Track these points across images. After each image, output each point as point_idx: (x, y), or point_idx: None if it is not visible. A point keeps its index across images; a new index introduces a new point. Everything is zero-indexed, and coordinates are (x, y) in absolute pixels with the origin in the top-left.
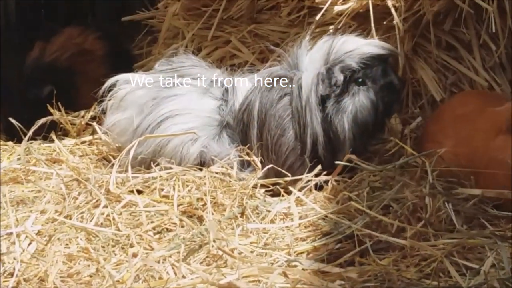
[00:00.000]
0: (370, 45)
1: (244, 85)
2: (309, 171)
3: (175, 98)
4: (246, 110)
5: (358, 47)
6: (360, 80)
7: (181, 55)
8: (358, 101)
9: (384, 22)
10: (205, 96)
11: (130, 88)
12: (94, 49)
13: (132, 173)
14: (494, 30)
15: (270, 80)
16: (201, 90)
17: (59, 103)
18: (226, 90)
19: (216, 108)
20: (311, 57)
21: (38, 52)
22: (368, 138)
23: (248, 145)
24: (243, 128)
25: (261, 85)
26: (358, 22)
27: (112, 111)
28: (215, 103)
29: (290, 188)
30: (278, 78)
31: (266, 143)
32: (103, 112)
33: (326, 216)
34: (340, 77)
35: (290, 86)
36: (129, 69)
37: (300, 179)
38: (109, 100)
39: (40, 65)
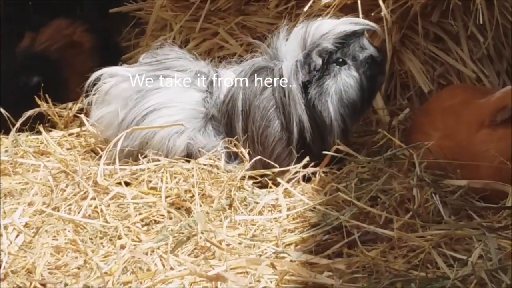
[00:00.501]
0: (344, 24)
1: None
2: (298, 162)
3: (160, 90)
4: (230, 102)
5: (333, 28)
6: (340, 60)
7: (165, 48)
8: (341, 80)
9: (372, 14)
10: (190, 89)
11: (114, 82)
12: (82, 41)
13: (120, 165)
14: (481, 22)
15: (252, 72)
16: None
17: (46, 95)
18: (211, 82)
19: (201, 101)
20: (289, 46)
21: (28, 41)
22: (357, 116)
23: (235, 137)
24: (228, 120)
25: (244, 77)
26: (346, 14)
27: (97, 105)
28: (200, 95)
29: (278, 179)
30: (260, 69)
31: (252, 134)
32: (89, 105)
33: (314, 208)
34: (319, 61)
35: (272, 77)
36: (118, 62)
37: (288, 171)
38: (94, 94)
39: (30, 54)
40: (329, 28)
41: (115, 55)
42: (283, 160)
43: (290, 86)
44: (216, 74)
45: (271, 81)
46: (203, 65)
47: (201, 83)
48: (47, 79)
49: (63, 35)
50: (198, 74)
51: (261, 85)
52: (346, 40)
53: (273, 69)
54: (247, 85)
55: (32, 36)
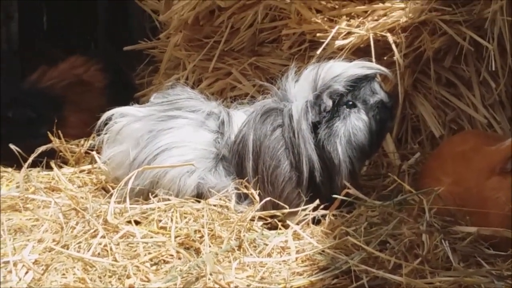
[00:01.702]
0: (356, 67)
1: (239, 117)
2: (307, 203)
3: (171, 131)
4: (241, 142)
5: (344, 70)
6: (350, 102)
7: (176, 88)
8: (350, 123)
9: (385, 58)
10: (201, 129)
11: (126, 121)
12: (93, 80)
13: (130, 204)
14: (494, 68)
15: (263, 113)
16: (197, 123)
17: (59, 131)
18: (222, 122)
19: (212, 141)
20: (299, 87)
21: (36, 76)
22: (365, 158)
23: (246, 178)
24: (238, 160)
25: (255, 118)
26: (359, 57)
27: (109, 145)
28: (211, 136)
29: (288, 221)
30: (270, 110)
31: (262, 175)
32: (100, 144)
33: (323, 251)
34: (329, 103)
35: (281, 118)
36: (131, 100)
37: (297, 212)
38: (106, 133)
39: (33, 89)
40: (340, 70)
41: (128, 93)
42: (292, 200)
43: (300, 126)
44: (227, 114)
45: (280, 122)
46: (214, 105)
47: (213, 123)
48: (43, 115)
49: (74, 73)
50: (210, 115)
51: (271, 126)
52: (357, 83)
53: (283, 110)
54: (257, 126)
55: (44, 70)
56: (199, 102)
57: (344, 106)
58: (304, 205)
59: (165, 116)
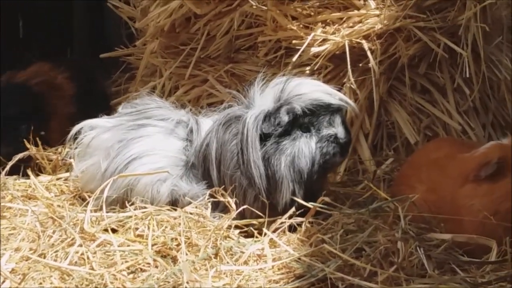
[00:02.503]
0: (323, 92)
1: (207, 125)
2: (269, 209)
3: (141, 139)
4: (205, 151)
5: (310, 92)
6: (305, 126)
7: (144, 97)
8: (297, 146)
9: (360, 64)
10: (171, 137)
11: (95, 133)
12: (63, 88)
13: (107, 212)
14: (468, 75)
15: (226, 121)
16: (167, 131)
17: (37, 138)
18: (191, 130)
19: (182, 149)
20: (263, 95)
21: (6, 77)
22: (304, 186)
23: (211, 184)
24: (204, 168)
25: (217, 127)
26: (335, 64)
27: (79, 159)
28: (181, 143)
29: (264, 229)
30: (234, 118)
31: (224, 182)
32: (71, 158)
33: (300, 259)
34: (285, 118)
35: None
36: (104, 109)
37: (274, 221)
38: (75, 148)
39: (10, 86)
40: (306, 90)
41: (99, 102)
42: (255, 208)
43: (249, 132)
44: (196, 122)
45: (240, 130)
46: (183, 113)
47: (182, 131)
48: (28, 111)
49: (43, 75)
50: (179, 123)
51: (230, 134)
52: (318, 109)
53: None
54: (219, 134)
55: (11, 73)
56: (168, 111)
57: (298, 128)
58: (268, 211)
59: (135, 125)
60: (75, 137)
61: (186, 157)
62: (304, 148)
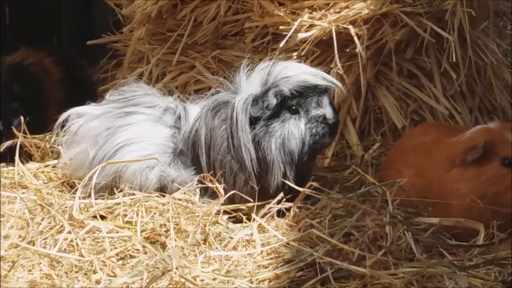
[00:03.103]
0: (309, 74)
1: (195, 112)
2: (259, 194)
3: (129, 127)
4: (194, 136)
5: (297, 74)
6: (293, 108)
7: (131, 84)
8: (287, 128)
9: (347, 50)
10: (159, 124)
11: (82, 121)
12: (52, 71)
13: (95, 199)
14: (454, 59)
15: (214, 106)
16: (154, 118)
17: (24, 127)
18: (179, 117)
19: (170, 136)
20: (249, 81)
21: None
22: (296, 166)
23: (200, 170)
24: (194, 154)
25: (206, 112)
26: (322, 49)
27: (67, 147)
28: (169, 131)
29: (253, 215)
30: (222, 103)
31: (214, 167)
32: (59, 146)
33: (288, 243)
34: (273, 101)
35: (230, 110)
36: (88, 96)
37: (263, 206)
38: (63, 135)
39: (13, 64)
40: (293, 73)
41: (84, 89)
42: (245, 192)
43: (239, 116)
44: (184, 109)
45: (229, 115)
46: (170, 100)
47: (169, 118)
48: (31, 90)
49: (33, 57)
50: (166, 110)
51: (219, 119)
52: (305, 91)
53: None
54: (209, 120)
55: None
56: (155, 98)
57: (287, 110)
58: (259, 195)
59: (123, 113)
60: (62, 125)
61: (174, 144)
62: (294, 130)
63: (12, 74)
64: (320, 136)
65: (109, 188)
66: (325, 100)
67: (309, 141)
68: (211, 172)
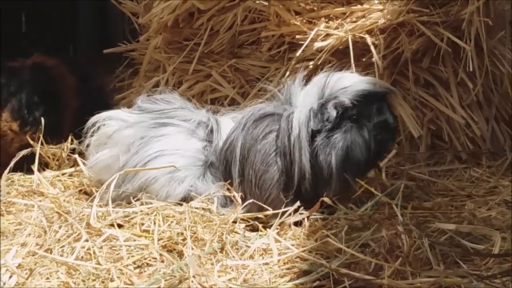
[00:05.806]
0: (365, 82)
1: (227, 124)
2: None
3: (162, 138)
4: (228, 149)
5: (353, 83)
6: (354, 117)
7: (165, 93)
8: (350, 137)
9: (364, 59)
10: (192, 137)
11: (117, 126)
12: (68, 78)
13: (113, 207)
14: (471, 69)
15: (258, 117)
16: (188, 131)
17: (40, 136)
18: (211, 130)
19: (201, 149)
20: (306, 93)
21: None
22: (357, 176)
23: (229, 181)
24: (226, 166)
25: (246, 123)
26: (338, 58)
27: (96, 148)
28: (201, 144)
29: (268, 231)
30: (267, 115)
31: (249, 178)
32: (87, 147)
33: (305, 253)
34: (333, 113)
35: (277, 123)
36: (103, 106)
37: (281, 215)
38: (92, 137)
39: (29, 66)
40: (350, 83)
41: (100, 98)
42: (277, 205)
43: (299, 133)
44: (216, 122)
45: (276, 127)
46: (203, 114)
47: (202, 132)
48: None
49: (50, 61)
50: (200, 124)
51: (264, 131)
52: (364, 99)
53: (281, 115)
54: (248, 131)
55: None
56: (190, 112)
57: (348, 120)
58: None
59: (157, 124)
60: (86, 130)
61: (205, 157)
62: (358, 139)
63: (34, 73)
64: (385, 142)
65: (133, 198)
66: (385, 106)
67: (375, 148)
68: (238, 181)
